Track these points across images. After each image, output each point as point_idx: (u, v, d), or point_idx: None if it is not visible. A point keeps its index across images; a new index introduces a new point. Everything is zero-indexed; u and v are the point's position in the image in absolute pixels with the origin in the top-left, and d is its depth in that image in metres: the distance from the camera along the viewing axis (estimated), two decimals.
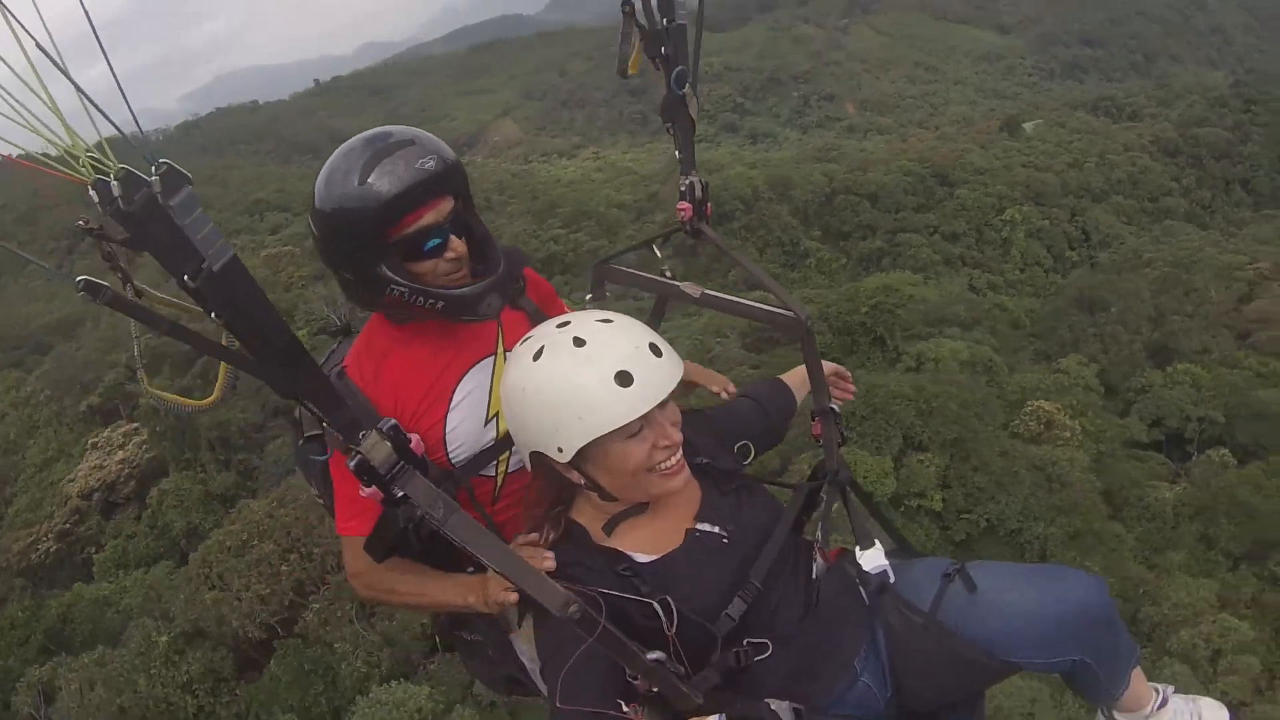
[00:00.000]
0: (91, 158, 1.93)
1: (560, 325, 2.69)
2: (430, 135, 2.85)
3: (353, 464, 2.30)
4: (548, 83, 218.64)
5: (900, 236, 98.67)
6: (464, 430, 3.08)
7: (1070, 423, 55.06)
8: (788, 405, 3.64)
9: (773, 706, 2.71)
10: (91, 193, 1.95)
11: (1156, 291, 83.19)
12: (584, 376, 2.55)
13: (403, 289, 2.83)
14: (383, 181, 2.70)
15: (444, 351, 3.08)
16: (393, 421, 2.35)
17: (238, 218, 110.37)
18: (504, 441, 3.13)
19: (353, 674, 37.16)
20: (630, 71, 3.38)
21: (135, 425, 63.15)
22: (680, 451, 2.74)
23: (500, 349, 3.16)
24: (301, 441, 3.12)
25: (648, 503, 2.83)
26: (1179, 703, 3.60)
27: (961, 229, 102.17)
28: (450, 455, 3.08)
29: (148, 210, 1.94)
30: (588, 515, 2.88)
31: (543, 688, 2.93)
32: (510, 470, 3.19)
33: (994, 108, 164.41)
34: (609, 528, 2.83)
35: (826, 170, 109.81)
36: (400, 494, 2.35)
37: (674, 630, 2.63)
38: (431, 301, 2.88)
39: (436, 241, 2.85)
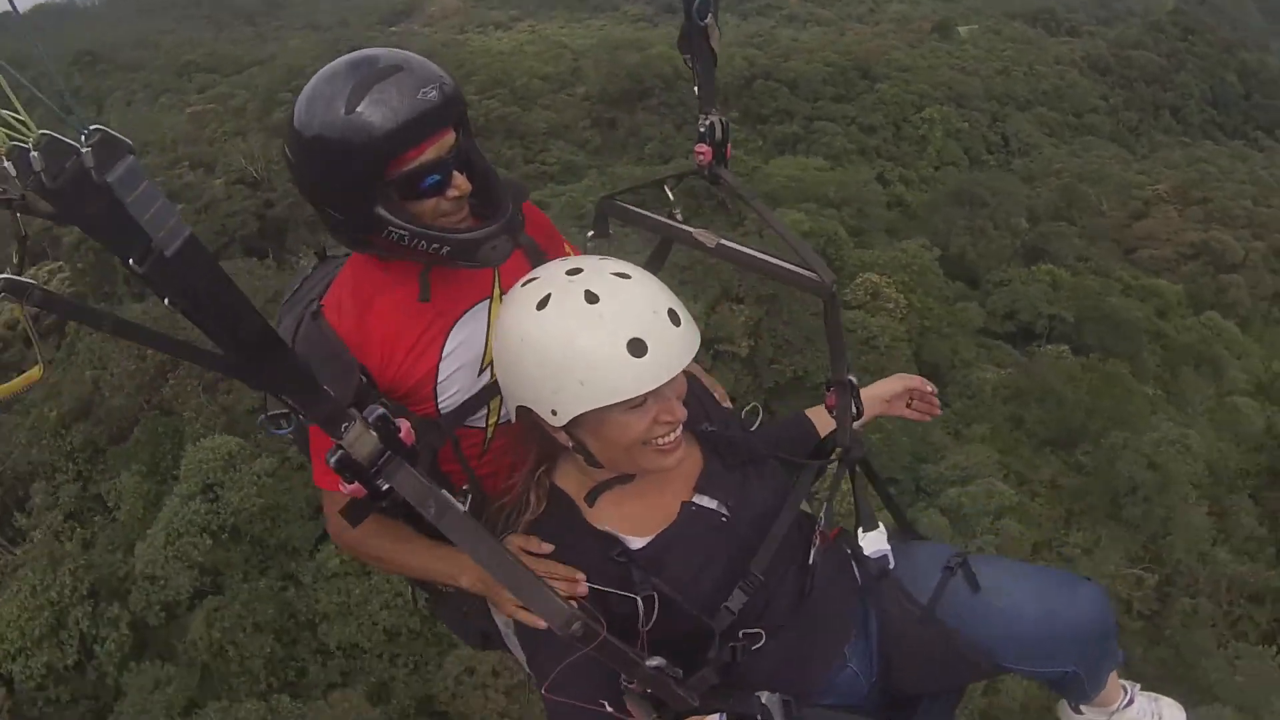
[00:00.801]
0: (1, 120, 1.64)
1: (571, 272, 2.42)
2: (423, 59, 2.54)
3: (334, 461, 2.05)
4: None
5: (817, 124, 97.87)
6: (457, 380, 2.84)
7: (896, 295, 57.02)
8: (803, 435, 3.37)
9: (764, 700, 2.58)
10: (7, 164, 1.63)
11: (1055, 198, 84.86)
12: (594, 339, 2.30)
13: (402, 232, 2.55)
14: (375, 112, 2.40)
15: (436, 295, 2.80)
16: (380, 410, 2.08)
17: (167, 79, 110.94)
18: (493, 387, 2.82)
19: (194, 434, 41.89)
20: None
21: (60, 263, 66.26)
22: (681, 428, 2.52)
23: (496, 291, 2.89)
24: (263, 419, 2.71)
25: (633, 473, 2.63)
26: (1143, 701, 3.68)
27: (879, 122, 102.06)
28: (440, 406, 2.84)
29: (78, 187, 1.59)
30: (573, 480, 2.69)
31: (521, 658, 2.84)
32: (500, 421, 2.94)
33: (935, 9, 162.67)
34: (591, 497, 2.65)
35: (748, 55, 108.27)
36: (386, 488, 2.10)
37: (649, 627, 2.50)
38: (435, 246, 2.59)
39: (437, 178, 2.56)
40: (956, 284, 65.88)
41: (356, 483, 2.09)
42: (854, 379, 3.17)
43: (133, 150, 1.66)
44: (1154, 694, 3.80)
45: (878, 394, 3.49)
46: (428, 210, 2.60)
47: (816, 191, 72.42)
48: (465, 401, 2.87)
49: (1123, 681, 3.68)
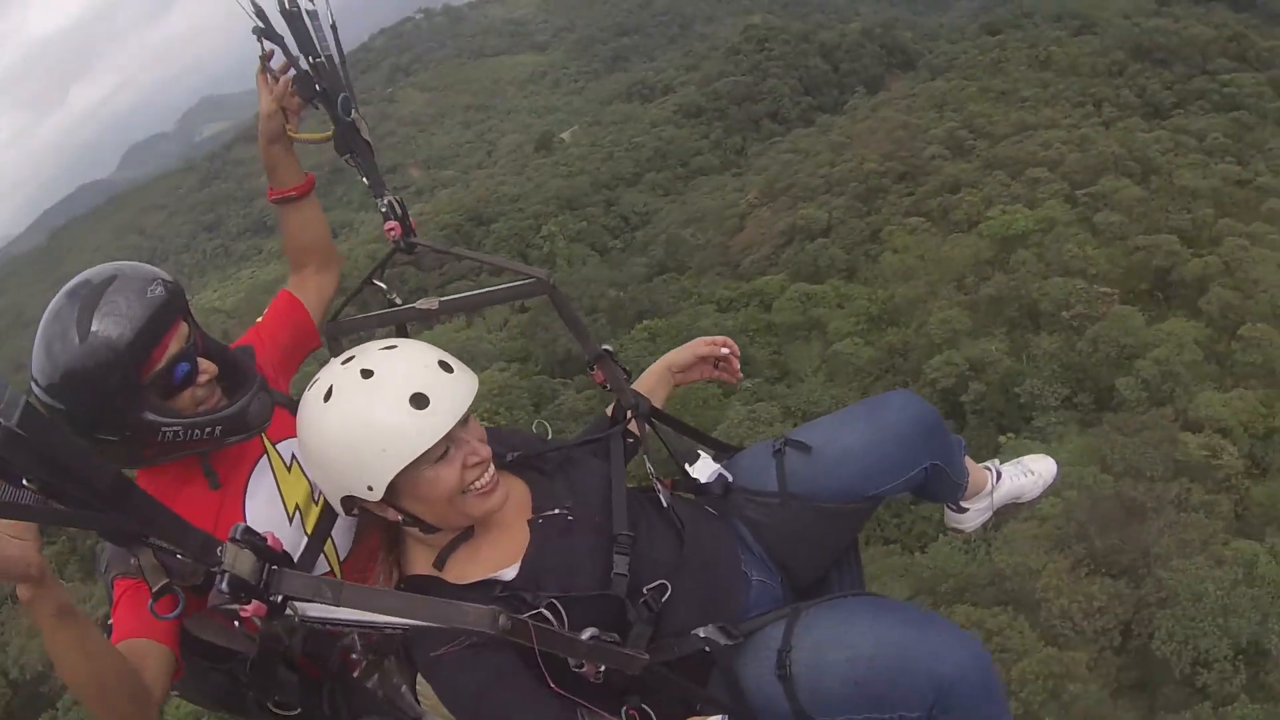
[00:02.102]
0: None
1: (345, 361, 2.57)
2: (134, 263, 2.67)
3: (225, 585, 2.07)
4: (129, 245, 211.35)
5: (447, 288, 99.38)
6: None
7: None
8: (600, 424, 3.42)
9: (702, 634, 2.73)
10: None
11: (660, 254, 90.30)
12: (378, 407, 2.45)
13: (176, 428, 2.63)
14: (111, 325, 2.49)
15: (220, 475, 2.89)
16: (243, 525, 2.13)
17: None
18: (317, 535, 2.95)
19: None
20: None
21: None
22: (492, 467, 2.66)
23: (267, 446, 3.00)
24: (153, 601, 2.44)
25: (472, 527, 2.72)
26: (1010, 469, 3.92)
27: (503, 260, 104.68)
28: None
29: None
30: (422, 559, 2.75)
31: None
32: (343, 560, 3.02)
33: (547, 126, 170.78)
34: (440, 562, 2.71)
35: (369, 251, 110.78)
36: (280, 598, 2.14)
37: (566, 628, 2.56)
38: (209, 430, 2.69)
39: (187, 368, 2.66)
40: (579, 377, 68.12)
41: (254, 601, 2.10)
42: (608, 348, 3.32)
43: None
44: (1016, 459, 4.04)
45: (674, 362, 3.58)
46: (187, 402, 2.67)
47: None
48: (300, 558, 2.88)
49: (984, 465, 3.87)
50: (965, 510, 3.77)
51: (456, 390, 2.51)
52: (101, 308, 2.49)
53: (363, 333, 3.41)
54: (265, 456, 2.98)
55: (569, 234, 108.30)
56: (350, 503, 2.58)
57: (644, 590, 2.71)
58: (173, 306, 2.60)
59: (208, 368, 2.70)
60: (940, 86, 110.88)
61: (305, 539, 2.93)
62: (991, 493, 3.79)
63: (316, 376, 2.58)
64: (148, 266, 2.65)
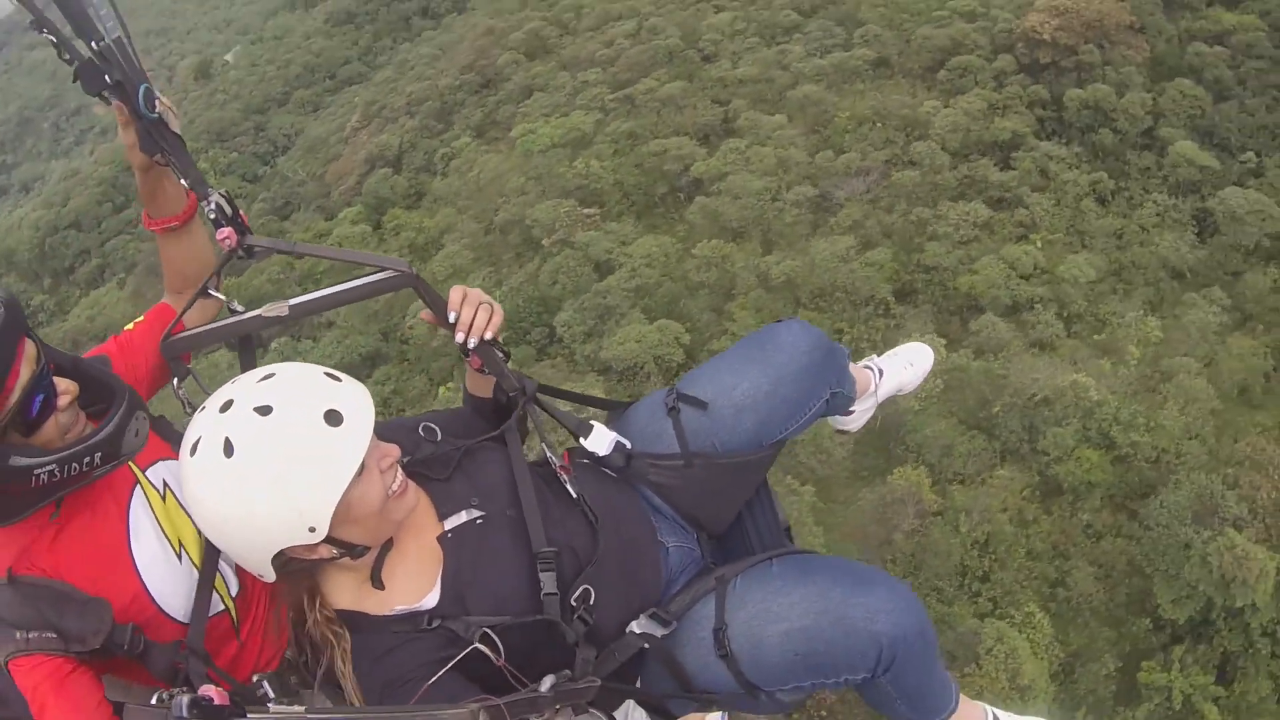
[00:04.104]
0: None
1: (224, 408, 2.33)
2: None
3: None
4: None
5: (110, 244, 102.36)
6: (168, 586, 2.62)
7: None
8: (478, 406, 3.27)
9: (638, 630, 2.74)
10: None
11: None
12: (299, 440, 2.28)
13: (50, 467, 2.24)
14: None
15: (92, 519, 2.53)
16: (187, 699, 1.93)
17: None
18: (207, 573, 2.70)
19: None
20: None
21: None
22: (400, 468, 2.56)
23: (137, 474, 2.67)
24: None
25: (392, 537, 2.62)
26: (889, 364, 4.02)
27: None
28: (170, 615, 2.63)
29: None
30: (345, 589, 2.64)
31: None
32: (235, 596, 2.81)
33: (223, 44, 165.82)
34: (377, 582, 2.61)
35: (34, 220, 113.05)
36: None
37: (504, 660, 2.53)
38: (88, 460, 2.31)
39: (45, 394, 2.29)
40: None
41: None
42: (489, 335, 2.99)
43: None
44: (891, 351, 4.08)
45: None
46: (52, 433, 2.34)
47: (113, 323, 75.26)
48: (194, 606, 2.65)
49: (864, 363, 3.88)
50: (851, 412, 3.74)
51: (358, 398, 2.39)
52: None
53: (207, 347, 3.14)
54: (138, 486, 2.66)
55: (219, 168, 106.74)
56: (281, 559, 2.42)
57: (573, 602, 2.67)
58: (16, 325, 2.22)
59: (68, 387, 2.37)
60: None
61: (197, 577, 2.69)
62: (875, 391, 3.85)
63: (191, 434, 2.35)
64: None
